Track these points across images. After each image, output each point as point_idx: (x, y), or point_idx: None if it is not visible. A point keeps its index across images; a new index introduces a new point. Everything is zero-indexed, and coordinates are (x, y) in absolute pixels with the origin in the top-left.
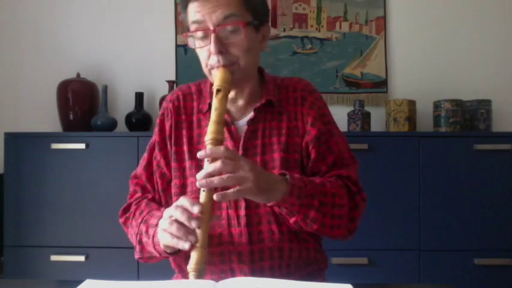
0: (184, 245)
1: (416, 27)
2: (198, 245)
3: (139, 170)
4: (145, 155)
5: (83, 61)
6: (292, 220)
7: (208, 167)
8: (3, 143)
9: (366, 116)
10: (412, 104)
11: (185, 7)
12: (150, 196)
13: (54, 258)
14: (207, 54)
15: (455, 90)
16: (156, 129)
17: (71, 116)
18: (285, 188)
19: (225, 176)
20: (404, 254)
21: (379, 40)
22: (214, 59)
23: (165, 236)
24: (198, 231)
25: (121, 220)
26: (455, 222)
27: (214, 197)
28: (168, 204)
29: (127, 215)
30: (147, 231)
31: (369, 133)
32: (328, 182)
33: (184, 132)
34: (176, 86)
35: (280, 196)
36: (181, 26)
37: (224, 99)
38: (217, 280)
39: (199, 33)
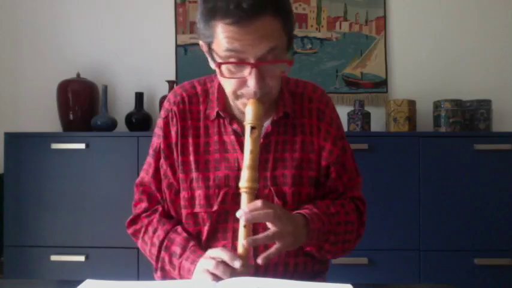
0: None
1: (416, 28)
2: None
3: (147, 178)
4: (151, 161)
5: (83, 61)
6: (306, 249)
7: (251, 215)
8: (3, 143)
9: (366, 116)
10: (412, 104)
11: (210, 22)
12: (160, 209)
13: (54, 258)
14: (238, 83)
15: (455, 90)
16: (159, 132)
17: (71, 116)
18: (305, 231)
19: (270, 234)
20: (404, 254)
21: (379, 40)
22: (250, 92)
23: None
24: None
25: (129, 231)
26: (455, 222)
27: (259, 260)
28: (178, 215)
29: (136, 227)
30: (171, 261)
31: (369, 133)
32: (341, 208)
33: (190, 140)
34: (176, 86)
35: (303, 241)
36: (181, 26)
37: (258, 138)
38: (217, 280)
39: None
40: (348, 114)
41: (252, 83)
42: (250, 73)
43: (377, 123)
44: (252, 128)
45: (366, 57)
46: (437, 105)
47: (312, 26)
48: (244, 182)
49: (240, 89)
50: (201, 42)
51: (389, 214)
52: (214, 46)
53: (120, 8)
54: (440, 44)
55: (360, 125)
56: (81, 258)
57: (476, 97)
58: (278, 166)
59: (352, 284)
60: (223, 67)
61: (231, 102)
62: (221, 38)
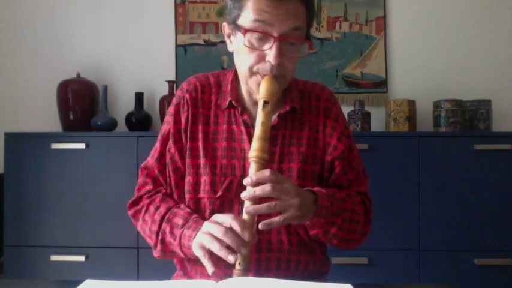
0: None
1: (417, 27)
2: (241, 268)
3: (151, 161)
4: (158, 145)
5: (83, 61)
6: (312, 232)
7: (256, 190)
8: (3, 143)
9: (366, 116)
10: (412, 104)
11: None
12: (163, 190)
13: (54, 258)
14: (256, 57)
15: (455, 90)
16: (169, 119)
17: (71, 116)
18: (314, 208)
19: (272, 204)
20: (405, 254)
21: (379, 40)
22: (267, 67)
23: (201, 251)
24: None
25: (130, 212)
26: (455, 222)
27: (260, 226)
28: (180, 199)
29: (137, 207)
30: (172, 232)
31: (369, 133)
32: (348, 198)
33: (200, 127)
34: (176, 86)
35: (310, 217)
36: (181, 26)
37: (271, 112)
38: (217, 280)
39: (256, 33)
40: (348, 114)
41: (271, 56)
42: (271, 47)
43: (377, 123)
44: (265, 102)
45: (366, 57)
46: (437, 105)
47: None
48: (253, 152)
49: (257, 64)
50: (224, 24)
51: (389, 214)
52: (240, 20)
53: (120, 8)
54: (441, 44)
55: (360, 125)
56: (81, 258)
57: (476, 97)
58: (285, 159)
59: (352, 284)
60: (247, 39)
61: (244, 85)
62: (251, 9)
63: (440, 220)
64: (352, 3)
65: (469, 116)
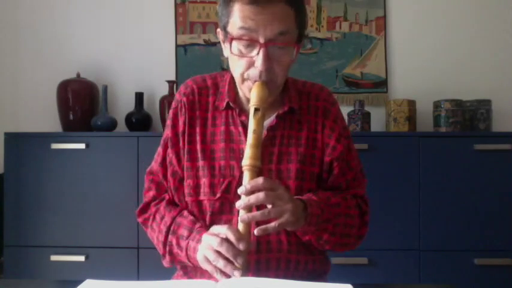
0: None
1: (417, 27)
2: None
3: (155, 166)
4: (160, 150)
5: (83, 61)
6: (305, 239)
7: (250, 198)
8: (3, 143)
9: (366, 116)
10: (412, 104)
11: (230, 2)
12: (167, 197)
13: (54, 258)
14: (246, 64)
15: (455, 90)
16: (168, 123)
17: (71, 116)
18: (304, 215)
19: (266, 211)
20: (405, 254)
21: (379, 40)
22: (255, 73)
23: (209, 267)
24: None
25: (139, 220)
26: (455, 222)
27: (256, 232)
28: (181, 202)
29: (145, 215)
30: (178, 244)
31: (369, 133)
32: (343, 201)
33: (197, 129)
34: (176, 86)
35: (302, 224)
36: (181, 26)
37: (262, 119)
38: (217, 280)
39: (244, 41)
40: (348, 114)
41: (258, 62)
42: (258, 53)
43: (377, 123)
44: (256, 109)
45: (366, 57)
46: (437, 105)
47: (312, 26)
48: (246, 160)
49: (247, 71)
50: (218, 30)
51: (389, 214)
52: (229, 27)
53: (120, 8)
54: (441, 44)
55: (360, 125)
56: (81, 258)
57: (476, 97)
58: (283, 160)
59: (352, 284)
60: (234, 47)
61: (239, 90)
62: (237, 17)
63: (440, 220)
64: (352, 3)
65: (469, 116)
